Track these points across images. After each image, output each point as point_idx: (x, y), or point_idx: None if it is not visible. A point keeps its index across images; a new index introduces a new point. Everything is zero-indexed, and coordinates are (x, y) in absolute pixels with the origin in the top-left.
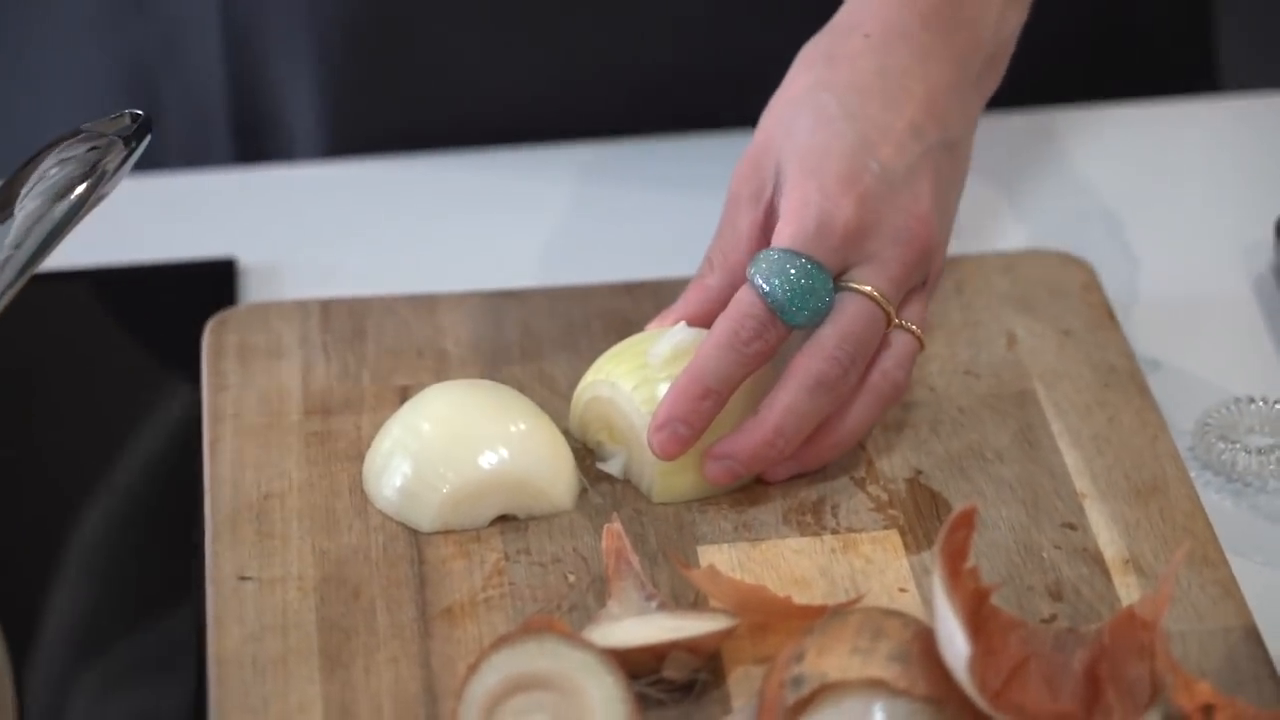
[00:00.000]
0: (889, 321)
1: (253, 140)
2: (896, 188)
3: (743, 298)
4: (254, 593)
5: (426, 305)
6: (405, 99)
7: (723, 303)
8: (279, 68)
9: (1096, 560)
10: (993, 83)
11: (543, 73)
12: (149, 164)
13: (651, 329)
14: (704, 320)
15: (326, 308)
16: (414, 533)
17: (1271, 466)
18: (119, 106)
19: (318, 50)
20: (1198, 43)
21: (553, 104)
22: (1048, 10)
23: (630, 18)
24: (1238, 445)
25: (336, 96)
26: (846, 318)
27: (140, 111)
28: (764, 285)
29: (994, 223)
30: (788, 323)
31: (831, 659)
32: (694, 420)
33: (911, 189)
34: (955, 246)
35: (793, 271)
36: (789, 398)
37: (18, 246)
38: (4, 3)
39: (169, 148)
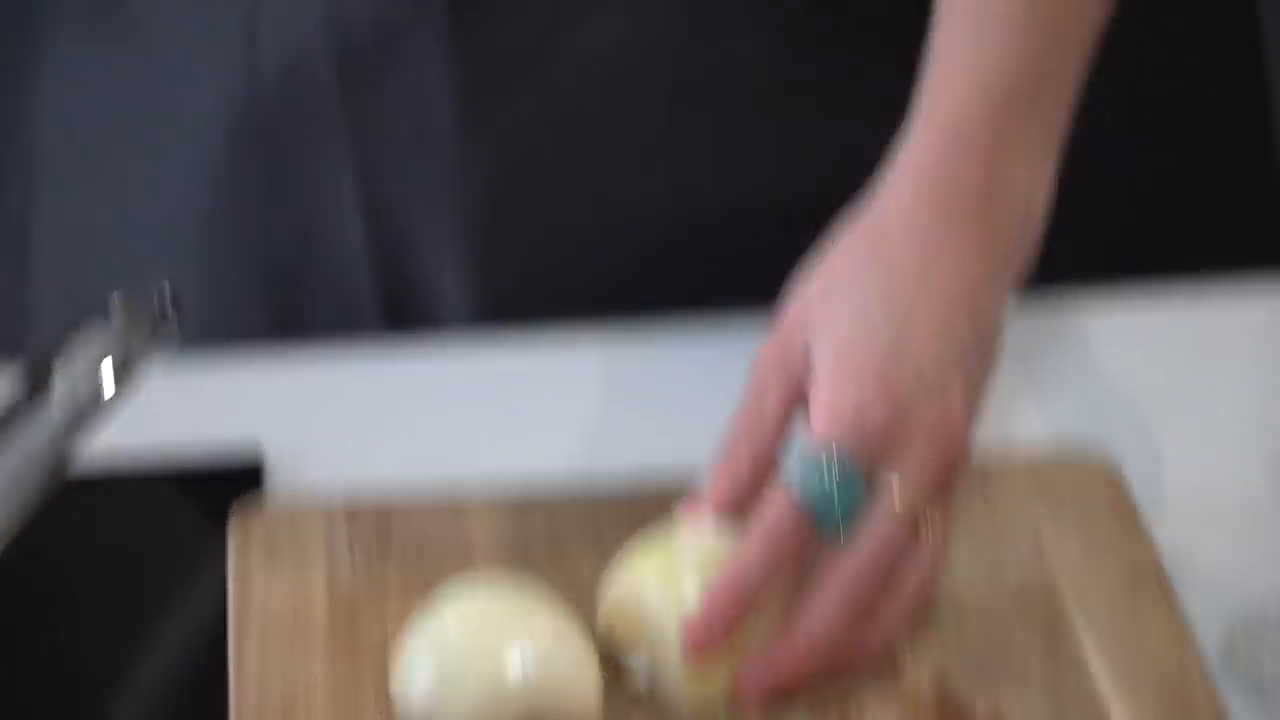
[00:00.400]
0: (919, 528)
1: (403, 314)
2: (931, 391)
3: (778, 501)
4: None
5: (453, 509)
6: (547, 264)
7: (752, 485)
8: (423, 242)
9: None
10: (1022, 265)
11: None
12: (297, 342)
13: (683, 518)
14: (735, 507)
15: (352, 506)
16: None
17: None
18: (260, 303)
19: (461, 221)
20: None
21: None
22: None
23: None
24: (1266, 656)
25: (480, 267)
26: (881, 529)
27: (166, 287)
28: (800, 490)
29: (1016, 412)
30: (823, 527)
31: None
32: (730, 625)
33: (945, 392)
34: (979, 437)
35: (828, 476)
36: (823, 612)
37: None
38: (123, 195)
39: (318, 331)
